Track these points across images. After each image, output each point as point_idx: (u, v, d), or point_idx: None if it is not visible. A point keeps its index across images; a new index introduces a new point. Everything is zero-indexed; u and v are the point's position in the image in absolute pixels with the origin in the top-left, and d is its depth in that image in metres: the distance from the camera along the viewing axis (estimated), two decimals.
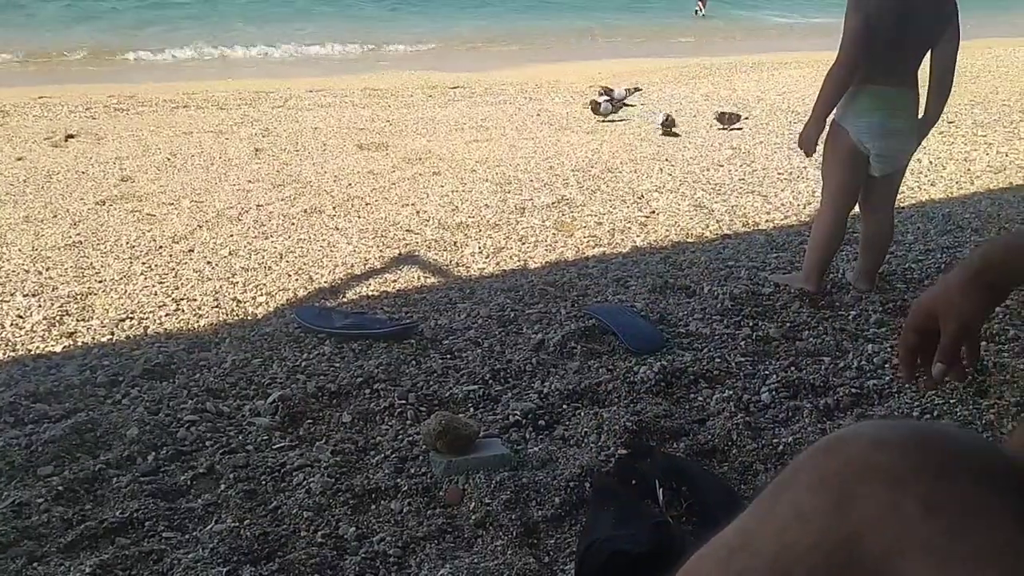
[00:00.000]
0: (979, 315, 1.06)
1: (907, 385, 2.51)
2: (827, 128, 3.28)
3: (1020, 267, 1.01)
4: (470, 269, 3.98)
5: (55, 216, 4.66)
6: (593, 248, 4.31)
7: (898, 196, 3.54)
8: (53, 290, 3.55)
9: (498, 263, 4.07)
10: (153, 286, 3.61)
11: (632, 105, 8.45)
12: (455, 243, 4.35)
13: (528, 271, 3.94)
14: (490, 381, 2.65)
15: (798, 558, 0.72)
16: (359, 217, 4.78)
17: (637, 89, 8.69)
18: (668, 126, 7.43)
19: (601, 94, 8.28)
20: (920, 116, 3.26)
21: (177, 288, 3.60)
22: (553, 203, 5.12)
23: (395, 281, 3.79)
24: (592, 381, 2.61)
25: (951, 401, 2.46)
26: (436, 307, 3.39)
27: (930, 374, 1.10)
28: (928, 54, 3.17)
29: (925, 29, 3.09)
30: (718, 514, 1.79)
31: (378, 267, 3.97)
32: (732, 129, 7.57)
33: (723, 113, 7.73)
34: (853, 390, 2.54)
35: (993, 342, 2.88)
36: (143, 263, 3.91)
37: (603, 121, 8.02)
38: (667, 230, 4.62)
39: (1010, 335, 2.92)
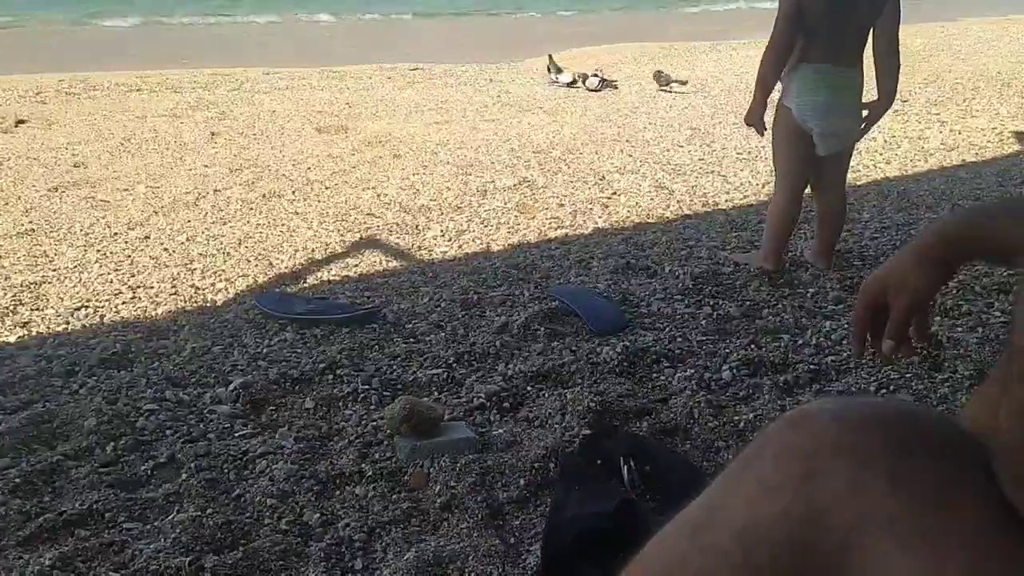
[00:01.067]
0: (929, 291, 1.07)
1: (863, 360, 2.55)
2: (774, 108, 3.33)
3: (971, 243, 1.03)
4: (432, 252, 3.96)
5: (6, 204, 4.55)
6: (555, 230, 4.31)
7: (854, 174, 3.60)
8: (6, 279, 3.47)
9: (460, 246, 4.05)
10: (108, 274, 3.55)
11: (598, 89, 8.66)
12: (417, 226, 4.33)
13: (491, 254, 3.93)
14: (454, 364, 2.64)
15: (762, 534, 0.73)
16: (319, 201, 4.73)
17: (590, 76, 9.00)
18: (664, 81, 8.55)
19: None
20: (874, 100, 3.30)
21: (133, 276, 3.53)
22: (515, 185, 5.11)
23: (357, 265, 3.76)
24: (556, 362, 2.61)
25: (907, 375, 2.51)
26: (399, 291, 3.37)
27: (881, 349, 1.11)
28: (871, 35, 3.21)
29: (861, 8, 3.13)
30: (681, 491, 1.80)
31: (339, 252, 3.94)
32: (666, 90, 8.50)
33: (659, 72, 8.74)
34: (812, 367, 2.58)
35: (947, 317, 2.94)
36: (98, 250, 3.83)
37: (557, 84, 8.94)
38: (628, 211, 4.64)
39: (963, 310, 2.98)
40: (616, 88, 8.74)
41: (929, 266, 1.04)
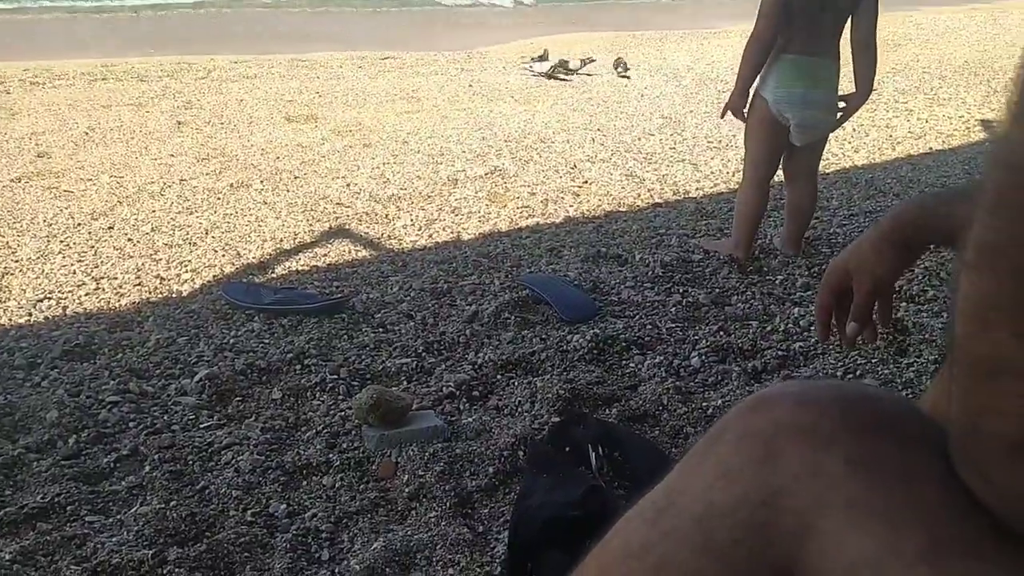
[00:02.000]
0: (891, 275, 1.08)
1: (831, 346, 2.56)
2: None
3: (932, 227, 1.03)
4: (402, 242, 3.93)
5: None
6: (526, 218, 4.30)
7: (823, 163, 3.62)
8: None
9: (431, 235, 4.03)
10: (72, 265, 3.49)
11: (568, 78, 8.62)
12: (387, 216, 4.30)
13: (461, 243, 3.92)
14: (423, 354, 2.63)
15: (723, 517, 0.73)
16: (288, 191, 4.68)
17: (592, 60, 9.02)
18: (621, 68, 8.84)
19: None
20: (851, 91, 3.32)
21: (97, 266, 3.48)
22: (486, 174, 5.09)
23: (326, 255, 3.73)
24: (526, 351, 2.61)
25: (873, 360, 2.53)
26: (368, 281, 3.35)
27: (845, 334, 1.12)
28: (849, 24, 3.22)
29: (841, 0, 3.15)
30: (650, 477, 1.80)
31: (308, 241, 3.90)
32: (624, 76, 8.73)
33: (618, 59, 9.06)
34: (780, 352, 2.60)
35: (912, 302, 2.97)
36: (61, 241, 3.76)
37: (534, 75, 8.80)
38: (599, 200, 4.64)
39: (929, 295, 3.00)
40: (568, 80, 8.70)
41: (889, 251, 1.05)
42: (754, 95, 3.33)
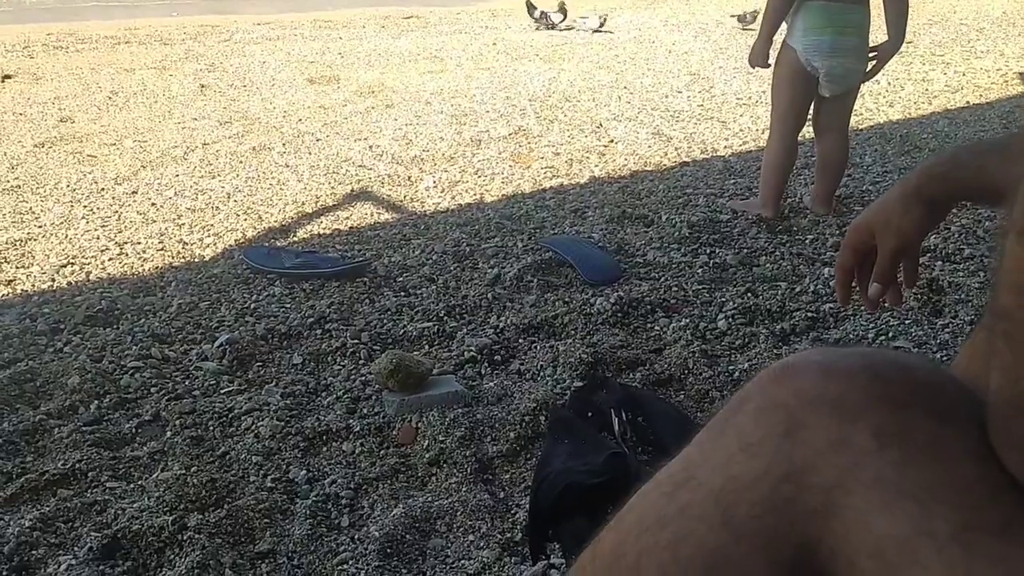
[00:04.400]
0: (918, 233, 1.02)
1: (861, 307, 2.50)
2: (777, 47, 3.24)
3: (962, 182, 0.97)
4: (424, 204, 3.89)
5: None
6: (551, 179, 4.24)
7: (856, 118, 3.52)
8: None
9: (453, 197, 3.98)
10: (95, 230, 3.49)
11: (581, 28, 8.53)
12: (409, 178, 4.25)
13: (484, 204, 3.87)
14: (445, 318, 2.60)
15: (742, 491, 0.69)
16: (310, 153, 4.65)
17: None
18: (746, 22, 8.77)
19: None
20: (883, 42, 3.21)
21: (120, 231, 3.47)
22: (510, 134, 5.02)
23: (347, 218, 3.70)
24: (549, 314, 2.57)
25: (906, 322, 2.46)
26: (390, 244, 3.31)
27: (867, 296, 1.07)
28: None
29: None
30: (673, 443, 1.77)
31: (330, 204, 3.87)
32: (749, 29, 8.50)
33: (743, 14, 8.95)
34: (809, 314, 2.53)
35: (948, 261, 2.89)
36: (84, 206, 3.76)
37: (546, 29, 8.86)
38: (625, 159, 4.56)
39: (965, 254, 2.92)
40: (555, 28, 8.75)
41: (916, 207, 1.00)
42: (782, 45, 3.23)
